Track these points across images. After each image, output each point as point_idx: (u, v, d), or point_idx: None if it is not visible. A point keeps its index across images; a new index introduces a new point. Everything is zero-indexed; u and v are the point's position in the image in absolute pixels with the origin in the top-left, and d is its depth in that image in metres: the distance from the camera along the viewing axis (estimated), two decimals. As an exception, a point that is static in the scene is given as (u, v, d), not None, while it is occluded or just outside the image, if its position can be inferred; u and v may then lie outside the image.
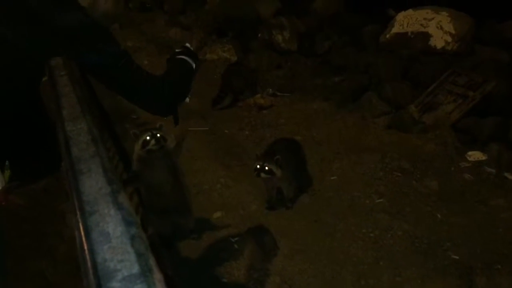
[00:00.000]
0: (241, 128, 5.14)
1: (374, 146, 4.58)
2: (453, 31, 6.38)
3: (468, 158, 4.34)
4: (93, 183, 0.90)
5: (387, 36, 6.95)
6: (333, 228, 3.53)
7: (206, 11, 9.66)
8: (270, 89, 6.08)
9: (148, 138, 2.99)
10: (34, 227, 4.20)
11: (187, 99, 2.22)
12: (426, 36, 6.52)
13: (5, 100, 1.74)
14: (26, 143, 1.98)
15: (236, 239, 3.46)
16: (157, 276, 0.67)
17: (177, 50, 2.18)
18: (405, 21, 6.81)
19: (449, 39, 6.38)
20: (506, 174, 4.05)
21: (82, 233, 0.77)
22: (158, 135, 3.01)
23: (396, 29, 6.88)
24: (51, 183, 5.27)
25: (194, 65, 2.13)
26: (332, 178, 4.16)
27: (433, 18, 6.59)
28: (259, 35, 7.79)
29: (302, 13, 8.60)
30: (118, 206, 0.81)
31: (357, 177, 4.11)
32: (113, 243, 0.73)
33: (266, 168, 3.52)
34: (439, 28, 6.47)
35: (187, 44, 2.24)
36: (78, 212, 0.83)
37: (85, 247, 0.74)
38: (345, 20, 8.19)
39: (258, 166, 3.55)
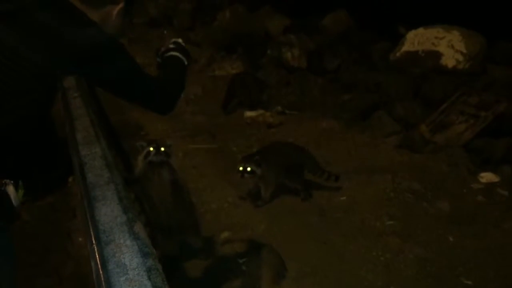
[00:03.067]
0: (249, 145, 5.10)
1: (385, 166, 4.52)
2: (464, 50, 6.34)
3: (480, 179, 4.28)
4: (109, 211, 0.88)
5: (397, 54, 6.92)
6: (343, 250, 3.46)
7: (215, 27, 9.71)
8: (279, 107, 6.06)
9: (151, 149, 3.06)
10: (40, 244, 4.18)
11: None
12: (437, 55, 6.48)
13: (19, 118, 1.72)
14: (37, 161, 1.97)
15: (244, 260, 3.40)
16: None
17: (170, 46, 2.17)
18: (416, 40, 6.79)
19: (461, 58, 6.34)
20: (519, 197, 3.98)
21: (99, 264, 0.74)
22: (162, 148, 3.07)
23: (406, 47, 6.86)
24: (58, 199, 5.26)
25: (186, 63, 2.15)
26: (342, 198, 4.10)
27: (444, 37, 6.56)
28: (268, 52, 7.80)
29: (311, 30, 8.61)
30: (134, 236, 0.79)
31: (367, 198, 4.04)
32: (130, 275, 0.71)
33: (248, 169, 3.83)
34: (450, 47, 6.44)
35: (179, 40, 2.23)
36: (94, 241, 0.80)
37: (102, 278, 0.71)
38: (355, 37, 8.19)
39: (240, 169, 3.83)
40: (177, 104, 2.12)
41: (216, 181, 4.42)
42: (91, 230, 0.84)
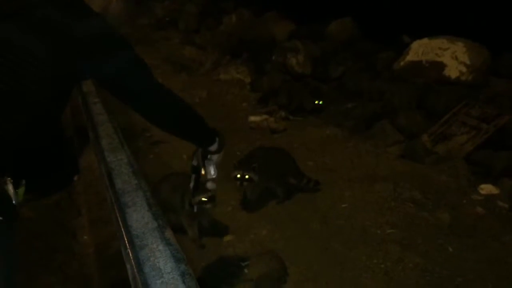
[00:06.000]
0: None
1: (387, 175, 4.57)
2: (468, 62, 6.40)
3: (480, 191, 4.33)
4: (140, 217, 0.93)
5: (402, 63, 6.98)
6: (344, 257, 3.51)
7: (221, 31, 9.78)
8: (283, 113, 6.11)
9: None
10: (45, 242, 4.22)
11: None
12: (441, 65, 6.54)
13: (29, 119, 1.73)
14: (44, 159, 1.98)
15: (246, 263, 3.45)
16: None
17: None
18: (420, 50, 6.84)
19: (464, 69, 6.39)
20: (518, 210, 4.03)
21: (135, 266, 0.79)
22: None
23: (410, 57, 6.91)
24: (63, 198, 5.30)
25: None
26: (344, 205, 4.15)
27: (448, 48, 6.61)
28: (273, 57, 7.86)
29: (316, 36, 8.68)
30: (166, 241, 0.84)
31: (369, 206, 4.09)
32: (165, 278, 0.76)
33: (246, 176, 3.89)
34: (454, 59, 6.50)
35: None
36: (128, 245, 0.85)
37: (139, 281, 0.76)
38: (360, 45, 8.25)
39: (238, 176, 3.90)
40: (187, 136, 2.05)
41: (219, 185, 4.45)
42: (124, 234, 0.90)
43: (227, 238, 3.78)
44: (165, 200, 3.56)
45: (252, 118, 5.94)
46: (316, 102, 6.25)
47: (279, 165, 4.22)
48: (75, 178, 5.52)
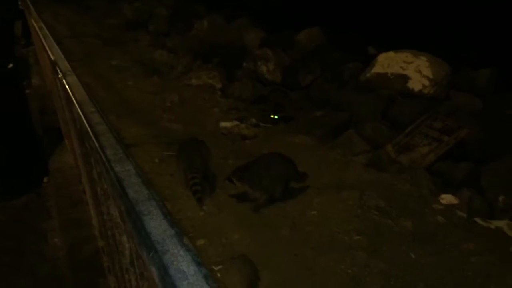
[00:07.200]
0: (224, 156, 5.25)
1: (353, 184, 4.75)
2: (430, 76, 6.69)
3: (441, 200, 4.54)
4: (157, 225, 1.01)
5: (368, 75, 7.22)
6: (313, 262, 3.65)
7: (192, 36, 9.83)
8: (254, 119, 6.24)
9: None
10: (16, 244, 4.20)
11: None
12: (405, 78, 6.81)
13: None
14: (9, 160, 2.03)
15: (218, 267, 3.54)
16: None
17: None
18: (386, 62, 7.10)
19: (427, 83, 6.68)
20: (476, 219, 4.26)
21: (161, 269, 0.89)
22: None
23: (377, 69, 7.16)
24: (32, 200, 5.27)
25: None
26: (313, 212, 4.30)
27: (412, 62, 6.89)
28: (244, 64, 7.98)
29: (286, 44, 8.85)
30: (186, 247, 0.93)
31: (337, 213, 4.25)
32: (190, 280, 0.85)
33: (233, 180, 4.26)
34: (418, 72, 6.78)
35: None
36: (151, 250, 0.93)
37: (166, 282, 0.86)
38: (327, 55, 8.48)
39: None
40: None
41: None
42: (145, 240, 0.99)
43: (200, 242, 3.87)
44: None
45: (223, 124, 6.04)
46: (272, 116, 6.40)
47: (281, 169, 4.39)
48: (45, 179, 5.49)
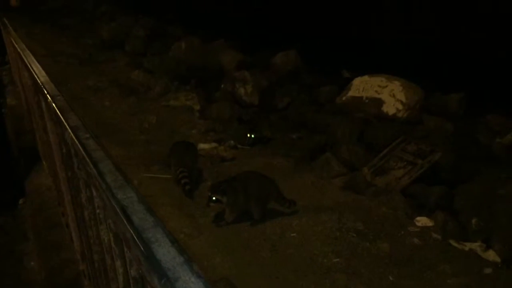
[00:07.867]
0: (204, 178, 5.27)
1: (331, 206, 4.82)
2: (404, 100, 6.88)
3: (416, 223, 4.64)
4: (166, 252, 1.04)
5: (344, 98, 7.38)
6: (294, 285, 3.68)
7: (169, 57, 9.88)
8: (232, 141, 6.29)
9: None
10: (-9, 267, 4.12)
11: None
12: (380, 102, 6.99)
13: None
14: None
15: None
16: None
17: None
18: (361, 86, 7.28)
19: (400, 107, 6.87)
20: (451, 241, 4.37)
21: None
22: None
23: (352, 92, 7.33)
24: (8, 222, 5.18)
25: None
26: (292, 235, 4.34)
27: (386, 86, 7.08)
28: (222, 86, 8.05)
29: (263, 66, 8.98)
30: (196, 274, 0.96)
31: (316, 236, 4.30)
32: None
33: (213, 198, 4.22)
34: (392, 96, 6.97)
35: None
36: (163, 277, 0.96)
37: None
38: (304, 77, 8.64)
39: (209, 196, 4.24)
40: None
41: (172, 211, 4.55)
42: (155, 267, 1.02)
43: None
44: None
45: (202, 146, 6.06)
46: (248, 135, 6.47)
47: (260, 188, 4.44)
48: (20, 201, 5.41)
